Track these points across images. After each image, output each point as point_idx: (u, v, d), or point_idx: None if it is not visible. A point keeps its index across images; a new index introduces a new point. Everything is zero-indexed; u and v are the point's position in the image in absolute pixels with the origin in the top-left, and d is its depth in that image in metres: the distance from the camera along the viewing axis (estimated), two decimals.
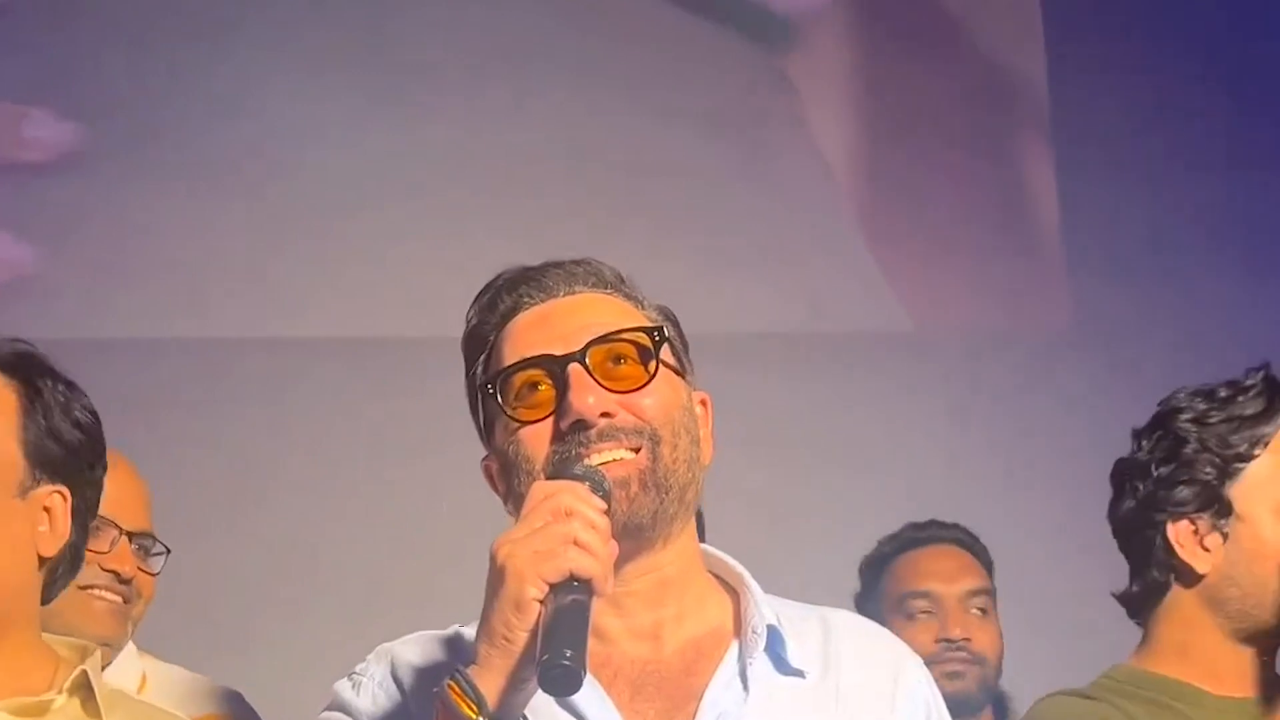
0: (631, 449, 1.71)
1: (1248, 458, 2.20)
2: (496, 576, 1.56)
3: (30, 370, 1.98)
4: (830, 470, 4.32)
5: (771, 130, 4.68)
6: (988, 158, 4.78)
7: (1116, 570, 2.33)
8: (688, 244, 4.43)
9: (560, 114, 4.51)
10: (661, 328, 1.80)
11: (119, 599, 2.59)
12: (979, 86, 4.82)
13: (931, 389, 4.49)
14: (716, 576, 1.83)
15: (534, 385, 1.75)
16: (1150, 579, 2.25)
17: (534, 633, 1.53)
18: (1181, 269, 4.63)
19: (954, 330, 4.64)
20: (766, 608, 1.77)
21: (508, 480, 1.76)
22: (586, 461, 1.69)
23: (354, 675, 1.77)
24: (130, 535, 2.61)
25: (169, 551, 2.69)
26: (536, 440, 1.73)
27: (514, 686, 1.55)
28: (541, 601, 1.54)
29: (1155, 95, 4.77)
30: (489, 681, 1.55)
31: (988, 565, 3.35)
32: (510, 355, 1.77)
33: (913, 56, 4.75)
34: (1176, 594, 2.24)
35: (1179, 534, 2.21)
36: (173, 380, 4.17)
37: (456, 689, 1.55)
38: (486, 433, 1.81)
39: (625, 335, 1.76)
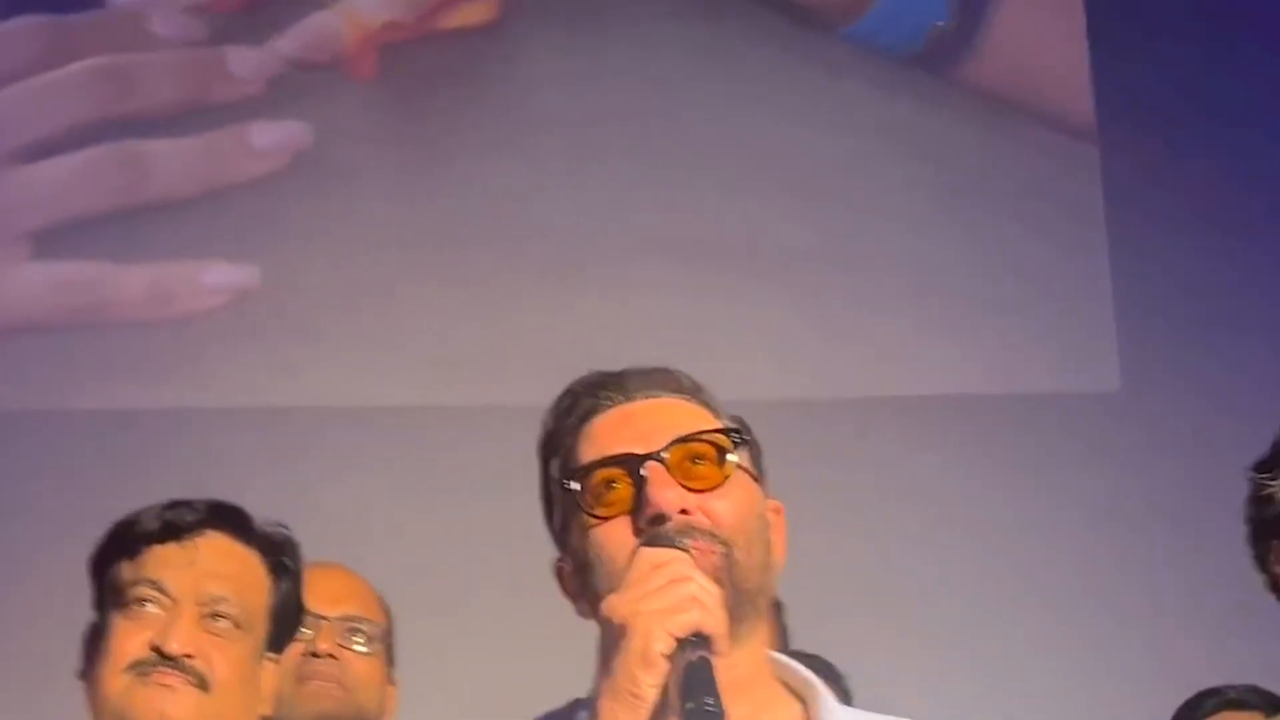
0: (705, 552, 1.71)
1: None
2: (618, 633, 1.58)
3: (281, 551, 2.27)
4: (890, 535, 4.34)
5: None
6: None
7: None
8: None
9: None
10: (740, 430, 1.80)
11: (330, 682, 2.72)
12: (1030, 143, 4.84)
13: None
14: (784, 684, 1.83)
15: (611, 483, 1.74)
16: None
17: (661, 689, 1.56)
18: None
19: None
20: (842, 714, 1.78)
21: (583, 579, 1.75)
22: None
23: None
24: (331, 621, 2.74)
25: (390, 631, 2.83)
26: (615, 538, 1.72)
27: None
28: (667, 657, 1.56)
29: (1210, 149, 4.77)
30: None
31: None
32: (588, 454, 1.78)
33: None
34: None
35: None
36: None
37: None
38: (561, 533, 1.81)
39: (704, 436, 1.77)
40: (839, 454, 4.38)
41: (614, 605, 1.60)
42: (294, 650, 2.66)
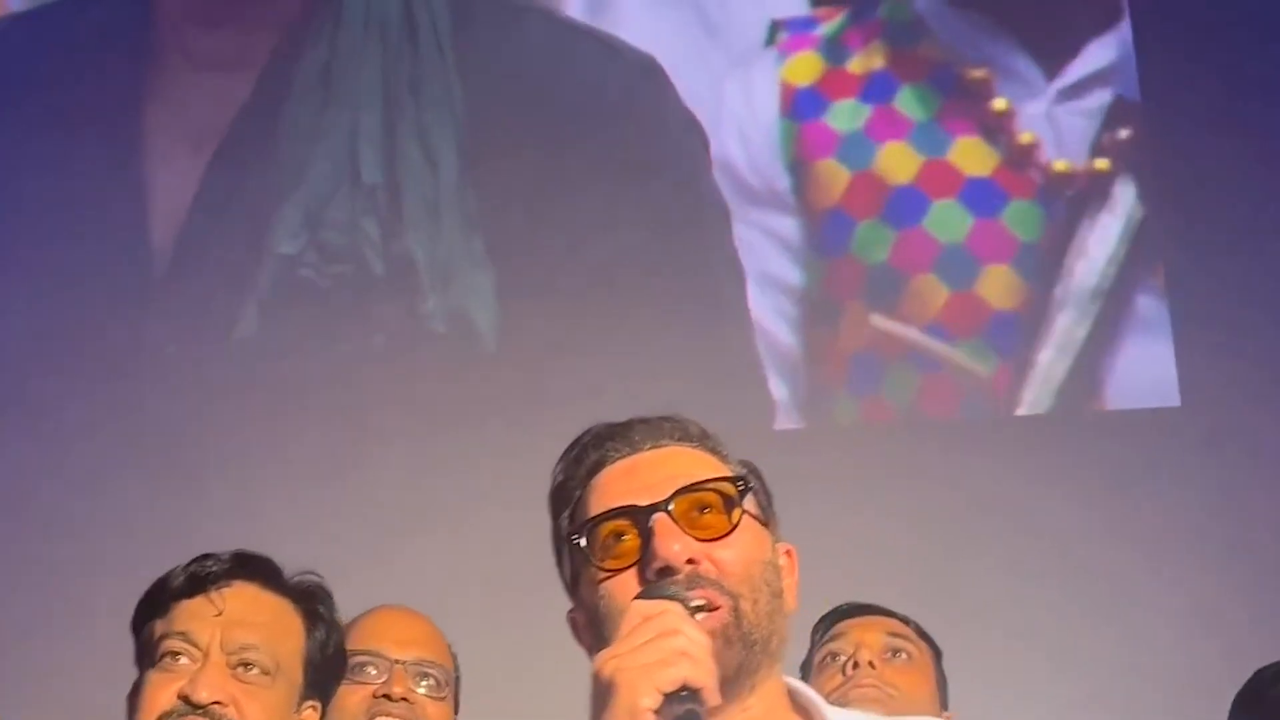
0: (713, 606, 1.71)
1: None
2: (605, 690, 1.58)
3: (314, 599, 2.29)
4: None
5: None
6: None
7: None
8: None
9: None
10: (746, 478, 1.81)
11: None
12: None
13: None
14: (795, 705, 1.84)
15: (619, 535, 1.76)
16: None
17: None
18: None
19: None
20: (834, 715, 1.80)
21: (595, 630, 1.76)
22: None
23: None
24: (403, 664, 2.72)
25: (457, 678, 2.81)
26: (624, 589, 1.73)
27: None
28: (656, 712, 1.55)
29: (1265, 156, 4.73)
30: None
31: None
32: (596, 507, 1.79)
33: None
34: None
35: None
36: None
37: None
38: (572, 585, 1.82)
39: (710, 485, 1.77)
40: (915, 474, 4.42)
41: (602, 660, 1.60)
42: (364, 692, 2.69)
